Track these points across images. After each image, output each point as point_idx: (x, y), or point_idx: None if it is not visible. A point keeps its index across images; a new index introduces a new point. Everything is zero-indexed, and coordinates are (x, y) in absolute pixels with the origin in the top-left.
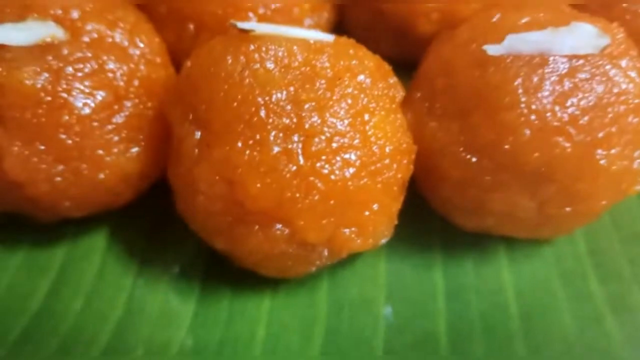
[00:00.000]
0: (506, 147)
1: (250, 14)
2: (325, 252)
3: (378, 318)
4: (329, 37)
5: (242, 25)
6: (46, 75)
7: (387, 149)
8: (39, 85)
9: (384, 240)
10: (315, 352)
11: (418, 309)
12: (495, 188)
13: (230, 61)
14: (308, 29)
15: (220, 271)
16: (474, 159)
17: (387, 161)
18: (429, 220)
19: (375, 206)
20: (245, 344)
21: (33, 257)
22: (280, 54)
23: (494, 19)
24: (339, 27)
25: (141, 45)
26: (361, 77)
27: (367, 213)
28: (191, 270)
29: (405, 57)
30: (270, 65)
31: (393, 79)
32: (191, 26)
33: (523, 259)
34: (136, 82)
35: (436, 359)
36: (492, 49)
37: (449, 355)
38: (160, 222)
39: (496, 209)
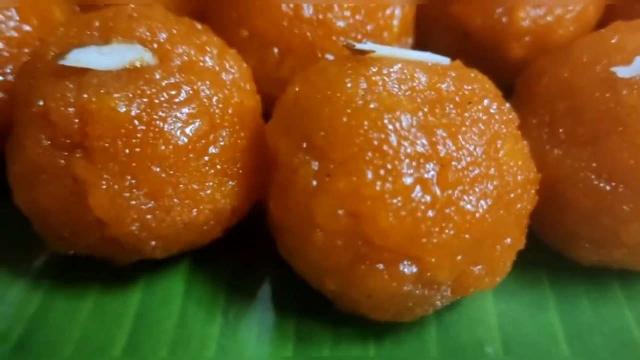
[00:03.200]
0: None
1: (342, 39)
2: (449, 292)
3: None
4: (445, 60)
5: (360, 46)
6: (140, 101)
7: (519, 178)
8: (133, 113)
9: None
10: None
11: (539, 353)
12: (634, 218)
13: (350, 85)
14: (423, 52)
15: (319, 314)
16: (608, 187)
17: (519, 191)
18: (535, 253)
19: (508, 240)
20: None
21: (105, 304)
22: (403, 77)
23: (614, 41)
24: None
25: (232, 70)
26: (486, 102)
27: (499, 248)
28: (285, 314)
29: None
30: (395, 89)
31: (507, 104)
32: (276, 50)
33: None
34: (230, 110)
35: None
36: (621, 71)
37: None
38: (244, 260)
39: (631, 241)
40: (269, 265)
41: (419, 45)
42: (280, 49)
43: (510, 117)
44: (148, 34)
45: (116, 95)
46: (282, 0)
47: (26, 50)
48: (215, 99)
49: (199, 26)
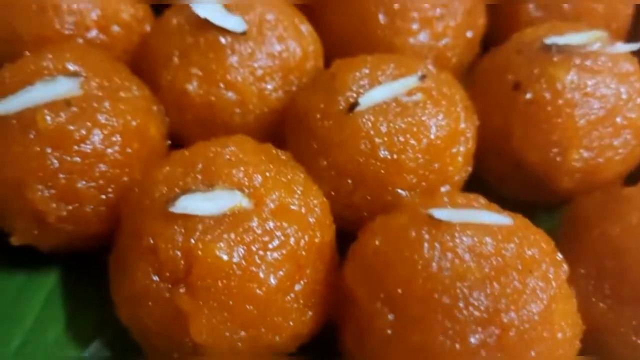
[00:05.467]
0: None
1: (411, 176)
2: None
3: None
4: (508, 220)
5: (438, 215)
6: (239, 249)
7: (567, 334)
8: (233, 260)
9: None
10: None
11: None
12: None
13: (426, 248)
14: (489, 212)
15: None
16: None
17: (567, 346)
18: None
19: None
20: None
21: None
22: (473, 244)
23: None
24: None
25: (316, 210)
26: (544, 266)
27: None
28: None
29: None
30: (466, 256)
31: (559, 255)
32: (350, 181)
33: None
34: (314, 249)
35: None
36: None
37: None
38: None
39: None
40: None
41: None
42: (354, 180)
43: (563, 276)
44: (245, 179)
45: (219, 244)
46: (358, 139)
47: (127, 170)
48: (302, 242)
49: (282, 155)
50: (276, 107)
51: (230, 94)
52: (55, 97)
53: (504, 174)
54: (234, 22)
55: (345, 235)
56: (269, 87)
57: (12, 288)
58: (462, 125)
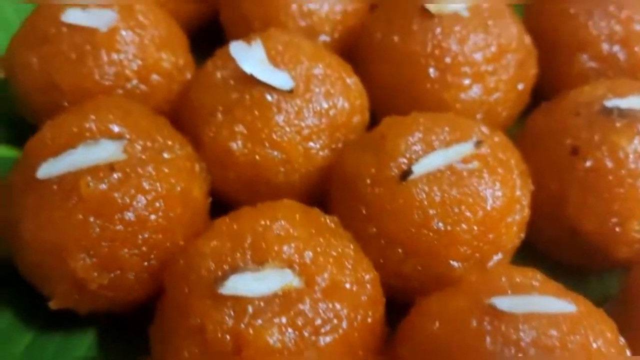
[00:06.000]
0: None
1: (465, 248)
2: None
3: None
4: (572, 308)
5: (500, 306)
6: (290, 333)
7: None
8: (284, 344)
9: None
10: None
11: None
12: None
13: (489, 341)
14: (552, 298)
15: None
16: None
17: None
18: None
19: None
20: None
21: None
22: (537, 336)
23: None
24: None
25: (368, 287)
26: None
27: None
28: None
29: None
30: (531, 350)
31: (622, 339)
32: (400, 250)
33: None
34: (366, 329)
35: None
36: None
37: None
38: None
39: None
40: None
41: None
42: (404, 250)
43: None
44: (296, 256)
45: (271, 329)
46: (411, 209)
47: (170, 235)
48: (355, 323)
49: (330, 222)
50: (322, 165)
51: (275, 153)
52: (99, 161)
53: (555, 239)
54: (280, 79)
55: (391, 301)
56: (316, 145)
57: (49, 350)
58: (518, 193)
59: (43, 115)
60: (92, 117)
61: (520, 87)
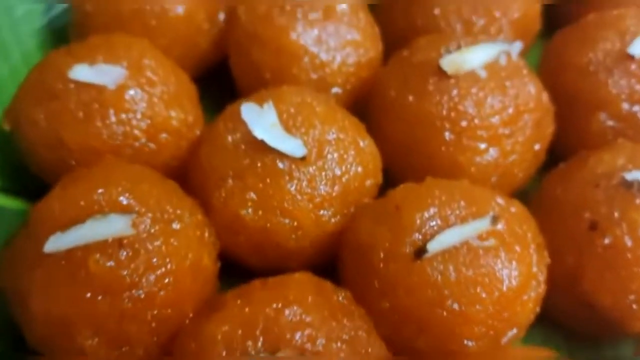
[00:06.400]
0: None
1: (479, 327)
2: None
3: None
4: None
5: None
6: None
7: None
8: None
9: None
10: None
11: None
12: None
13: None
14: None
15: None
16: None
17: None
18: None
19: None
20: None
21: None
22: None
23: None
24: None
25: None
26: None
27: None
28: None
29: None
30: None
31: None
32: (413, 327)
33: None
34: None
35: None
36: None
37: None
38: None
39: None
40: None
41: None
42: (417, 326)
43: None
44: (309, 344)
45: None
46: (426, 287)
47: (179, 307)
48: None
49: (343, 299)
50: (334, 230)
51: (286, 221)
52: (107, 236)
53: (570, 311)
54: (292, 146)
55: None
56: (328, 213)
57: None
58: (534, 270)
59: (49, 170)
60: (100, 190)
61: (537, 147)
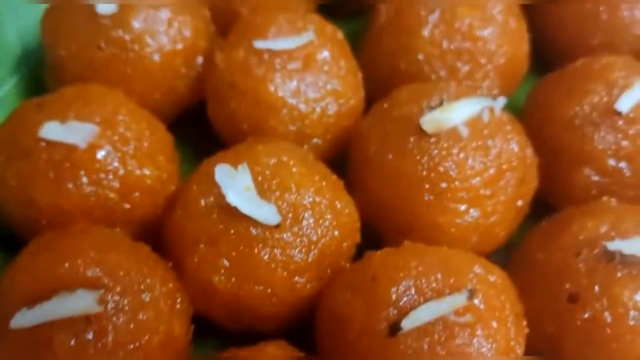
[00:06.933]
0: None
1: None
2: None
3: None
4: None
5: None
6: None
7: None
8: None
9: None
10: None
11: None
12: None
13: None
14: None
15: None
16: None
17: None
18: None
19: None
20: None
21: None
22: None
23: None
24: None
25: None
26: None
27: None
28: None
29: None
30: None
31: None
32: None
33: None
34: None
35: None
36: None
37: None
38: None
39: None
40: None
41: None
42: None
43: None
44: None
45: None
46: None
47: None
48: None
49: None
50: (309, 295)
51: (260, 288)
52: (74, 313)
53: None
54: (266, 213)
55: None
56: (303, 279)
57: None
58: (512, 343)
59: (21, 227)
60: (67, 264)
61: (519, 203)
